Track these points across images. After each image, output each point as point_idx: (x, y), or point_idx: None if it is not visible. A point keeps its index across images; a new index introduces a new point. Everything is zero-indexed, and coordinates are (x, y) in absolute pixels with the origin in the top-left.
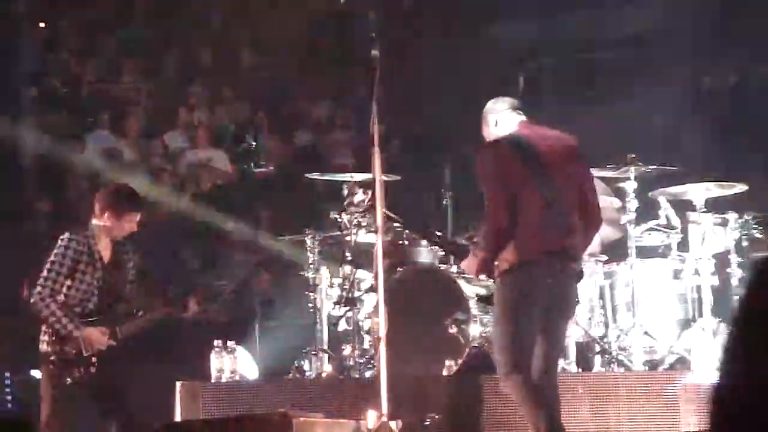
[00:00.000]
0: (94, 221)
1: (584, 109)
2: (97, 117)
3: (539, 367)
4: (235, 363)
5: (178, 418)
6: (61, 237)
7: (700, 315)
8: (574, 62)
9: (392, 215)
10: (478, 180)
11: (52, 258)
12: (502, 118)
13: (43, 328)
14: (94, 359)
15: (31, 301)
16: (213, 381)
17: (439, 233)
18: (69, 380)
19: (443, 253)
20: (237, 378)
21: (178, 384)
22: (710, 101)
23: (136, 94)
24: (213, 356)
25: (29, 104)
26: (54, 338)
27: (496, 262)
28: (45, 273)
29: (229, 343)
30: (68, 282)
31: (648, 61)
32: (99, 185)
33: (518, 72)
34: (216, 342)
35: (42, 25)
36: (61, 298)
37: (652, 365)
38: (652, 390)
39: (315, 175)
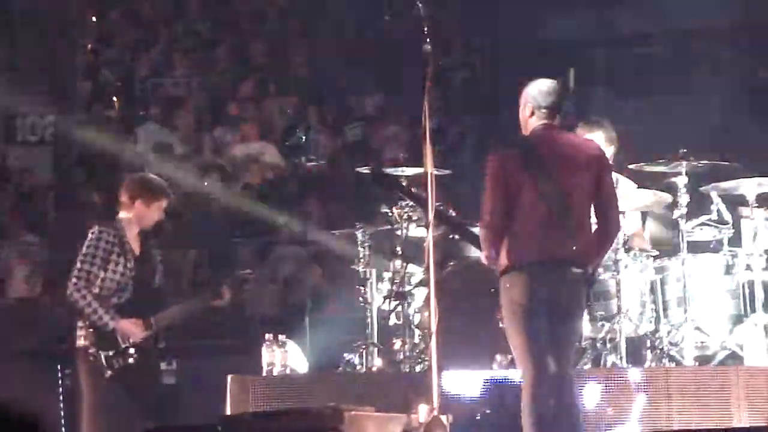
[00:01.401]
0: (123, 213)
1: (636, 103)
2: (148, 110)
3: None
4: (285, 357)
5: (228, 411)
6: (92, 230)
7: (753, 310)
8: (629, 56)
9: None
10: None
11: (84, 251)
12: (537, 113)
13: (79, 323)
14: (131, 351)
15: (67, 293)
16: (263, 374)
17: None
18: (109, 372)
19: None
20: (287, 372)
21: (229, 377)
22: (764, 96)
23: (187, 88)
24: (264, 350)
25: (82, 98)
26: (91, 331)
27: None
28: (78, 265)
29: (280, 337)
30: (102, 274)
31: (702, 56)
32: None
33: (569, 66)
34: (267, 335)
35: (94, 19)
36: (95, 290)
37: (704, 361)
38: (703, 386)
39: (366, 170)
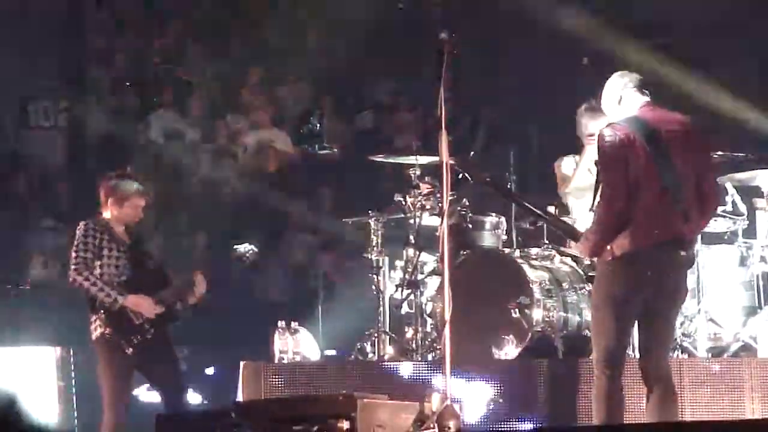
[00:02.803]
0: (103, 212)
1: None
2: (161, 97)
3: (645, 354)
4: (297, 344)
5: (240, 397)
6: (78, 226)
7: (767, 302)
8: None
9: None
10: (598, 162)
11: (75, 244)
12: (627, 96)
13: (92, 316)
14: (147, 326)
15: (70, 280)
16: (276, 361)
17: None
18: (130, 349)
19: (558, 232)
20: (299, 359)
21: (242, 364)
22: None
23: (200, 75)
24: (276, 337)
25: (95, 84)
26: (104, 315)
27: (607, 247)
28: (74, 255)
29: (293, 324)
30: (98, 262)
31: (719, 46)
32: (161, 165)
33: (583, 54)
34: (279, 323)
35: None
36: (96, 274)
37: (717, 352)
38: (716, 377)
39: (379, 158)
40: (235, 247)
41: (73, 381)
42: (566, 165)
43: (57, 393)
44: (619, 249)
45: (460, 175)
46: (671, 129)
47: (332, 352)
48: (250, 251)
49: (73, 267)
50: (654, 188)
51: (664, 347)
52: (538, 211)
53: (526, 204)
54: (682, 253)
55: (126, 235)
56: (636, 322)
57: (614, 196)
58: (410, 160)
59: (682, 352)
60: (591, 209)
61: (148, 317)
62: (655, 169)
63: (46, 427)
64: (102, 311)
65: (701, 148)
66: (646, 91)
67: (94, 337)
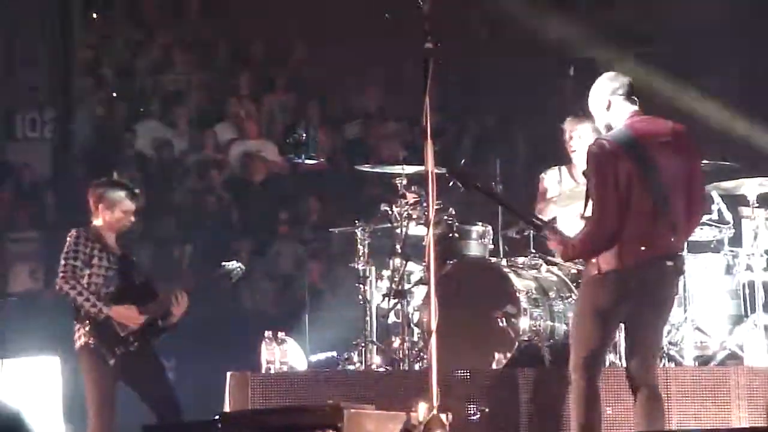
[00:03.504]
0: (93, 221)
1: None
2: (148, 107)
3: (632, 362)
4: (285, 354)
5: (227, 408)
6: (69, 234)
7: (753, 311)
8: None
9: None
10: (588, 178)
11: (65, 251)
12: (615, 103)
13: (77, 324)
14: (131, 338)
15: (57, 288)
16: (263, 372)
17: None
18: (112, 360)
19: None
20: (286, 369)
21: (228, 374)
22: (765, 95)
23: (187, 85)
24: (263, 347)
25: (82, 95)
26: (88, 325)
27: (593, 260)
28: (63, 263)
29: (279, 334)
30: (87, 271)
31: (702, 54)
32: (148, 175)
33: (569, 64)
34: (266, 333)
35: (95, 15)
36: (84, 282)
37: (704, 361)
38: (703, 386)
39: (365, 167)
40: (223, 264)
41: (61, 390)
42: (549, 178)
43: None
44: (605, 265)
45: (451, 183)
46: (660, 139)
47: (328, 355)
48: (237, 269)
49: (60, 275)
50: (642, 204)
51: (651, 355)
52: (530, 217)
53: (516, 209)
54: (669, 263)
55: (116, 245)
56: (623, 329)
57: (604, 216)
58: (396, 169)
59: (668, 361)
60: (582, 216)
61: (132, 330)
62: (644, 185)
63: None
64: (87, 321)
65: (691, 155)
66: (635, 99)
67: (77, 345)
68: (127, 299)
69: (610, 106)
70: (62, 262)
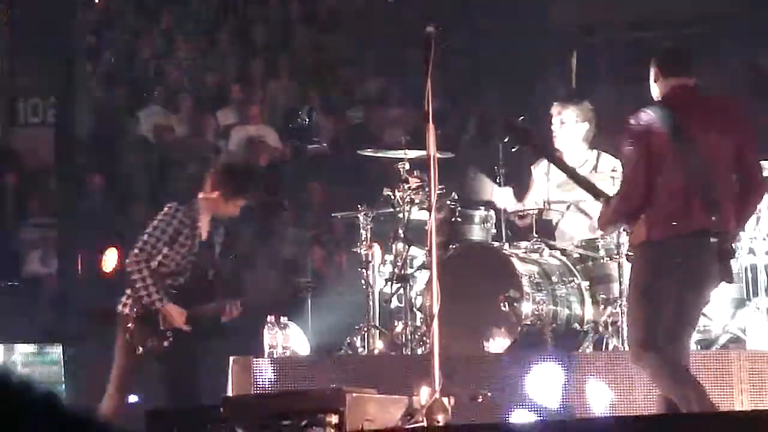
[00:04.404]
0: (201, 195)
1: (637, 88)
2: (150, 93)
3: (667, 341)
4: (287, 339)
5: (230, 393)
6: (169, 205)
7: (755, 294)
8: (629, 41)
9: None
10: (622, 150)
11: (155, 223)
12: (662, 76)
13: (127, 291)
14: (169, 334)
15: (126, 261)
16: (265, 356)
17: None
18: (141, 350)
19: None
20: (289, 354)
21: (231, 359)
22: (764, 82)
23: (189, 71)
24: (266, 332)
25: (85, 80)
26: (135, 305)
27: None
28: (146, 237)
29: (282, 319)
30: (166, 250)
31: (704, 41)
32: (151, 161)
33: (572, 50)
34: (269, 317)
35: (97, 1)
36: (155, 264)
37: (706, 344)
38: (705, 369)
39: (368, 152)
40: (295, 279)
41: (63, 377)
42: (538, 171)
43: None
44: (636, 238)
45: (507, 139)
46: (700, 113)
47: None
48: (308, 285)
49: (136, 251)
50: (675, 179)
51: (674, 333)
52: (587, 182)
53: (572, 171)
54: (711, 240)
55: (208, 227)
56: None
57: (630, 189)
58: (399, 154)
59: None
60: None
61: (173, 327)
62: (678, 159)
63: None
64: (136, 296)
65: (739, 132)
66: (685, 72)
67: (118, 309)
68: (187, 297)
69: (657, 78)
70: (144, 237)
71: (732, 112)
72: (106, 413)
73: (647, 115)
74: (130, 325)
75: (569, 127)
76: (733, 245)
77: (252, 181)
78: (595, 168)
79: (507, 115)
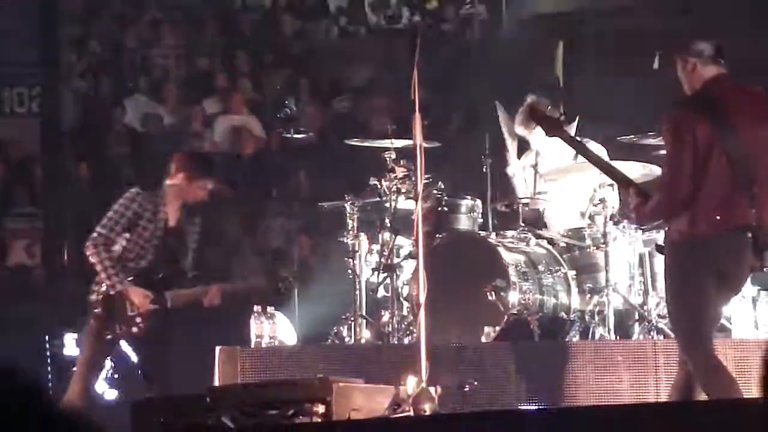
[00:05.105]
0: (167, 182)
1: (624, 77)
2: (136, 82)
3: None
4: (274, 328)
5: (216, 382)
6: (129, 191)
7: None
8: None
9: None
10: (664, 139)
11: (114, 208)
12: (699, 66)
13: (96, 278)
14: (138, 320)
15: (85, 244)
16: (252, 346)
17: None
18: (109, 335)
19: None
20: (276, 343)
21: (218, 349)
22: (752, 72)
23: (175, 60)
24: (252, 321)
25: (70, 70)
26: (102, 290)
27: (669, 228)
28: (104, 221)
29: (269, 309)
30: (126, 235)
31: (690, 30)
32: (139, 150)
33: (558, 40)
34: (255, 307)
35: None
36: (116, 248)
37: None
38: None
39: (354, 141)
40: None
41: (49, 368)
42: (525, 162)
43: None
44: (677, 234)
45: (534, 126)
46: (742, 104)
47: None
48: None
49: (94, 234)
50: (720, 170)
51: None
52: (617, 172)
53: (600, 161)
54: (748, 235)
55: (178, 214)
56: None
57: (676, 181)
58: (385, 143)
59: (657, 334)
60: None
61: (144, 312)
62: (722, 149)
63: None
64: (98, 281)
65: None
66: (721, 61)
67: (90, 298)
68: (153, 281)
69: (694, 69)
70: (103, 221)
71: (766, 101)
72: (69, 400)
73: (689, 104)
74: (97, 310)
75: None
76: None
77: (213, 161)
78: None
79: (532, 104)
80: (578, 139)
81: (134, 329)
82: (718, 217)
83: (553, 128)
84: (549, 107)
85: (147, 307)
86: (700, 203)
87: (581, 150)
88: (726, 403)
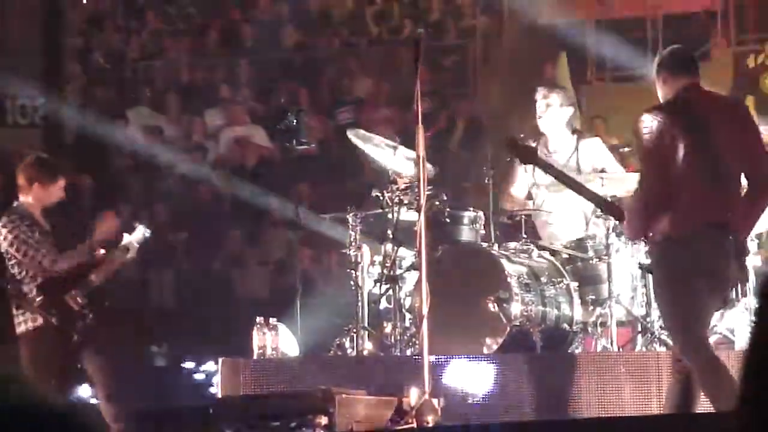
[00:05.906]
0: (22, 198)
1: (623, 85)
2: (139, 94)
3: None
4: (276, 340)
5: (219, 394)
6: (6, 220)
7: (743, 294)
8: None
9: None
10: (637, 147)
11: (22, 238)
12: (670, 76)
13: (21, 309)
14: (86, 311)
15: (55, 269)
16: (254, 357)
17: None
18: (76, 336)
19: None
20: (278, 355)
21: (220, 360)
22: (752, 79)
23: (177, 71)
24: (255, 333)
25: (73, 81)
26: (43, 306)
27: (650, 233)
28: (30, 251)
29: (271, 320)
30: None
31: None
32: (139, 162)
33: (559, 49)
34: (258, 319)
35: (85, 1)
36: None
37: None
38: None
39: (360, 152)
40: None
41: None
42: (524, 173)
43: None
44: (661, 235)
45: (509, 158)
46: (713, 110)
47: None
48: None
49: (40, 258)
50: (694, 173)
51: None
52: (596, 196)
53: (579, 187)
54: (728, 237)
55: (43, 219)
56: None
57: (645, 186)
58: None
59: (660, 345)
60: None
61: (84, 303)
62: (695, 154)
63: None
64: (41, 299)
65: (747, 129)
66: (692, 72)
67: (24, 329)
68: (62, 284)
69: (665, 81)
70: (30, 252)
71: (740, 110)
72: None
73: (661, 111)
74: (52, 321)
75: (554, 110)
76: (746, 243)
77: (59, 159)
78: (576, 149)
79: (510, 135)
80: (551, 164)
81: (88, 320)
82: (695, 215)
83: (528, 156)
84: (523, 136)
85: (113, 230)
86: (679, 204)
87: (555, 174)
88: (729, 415)
